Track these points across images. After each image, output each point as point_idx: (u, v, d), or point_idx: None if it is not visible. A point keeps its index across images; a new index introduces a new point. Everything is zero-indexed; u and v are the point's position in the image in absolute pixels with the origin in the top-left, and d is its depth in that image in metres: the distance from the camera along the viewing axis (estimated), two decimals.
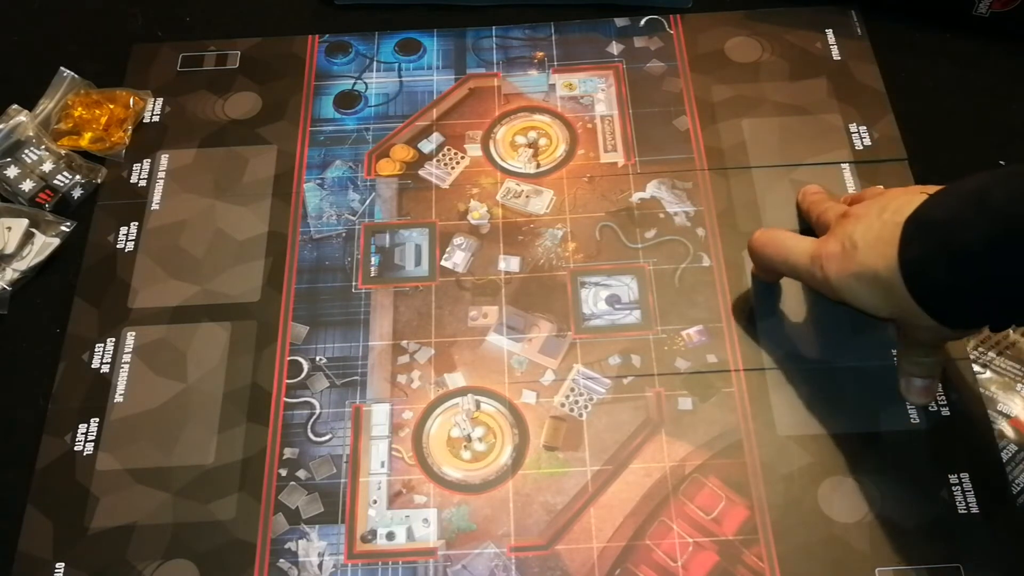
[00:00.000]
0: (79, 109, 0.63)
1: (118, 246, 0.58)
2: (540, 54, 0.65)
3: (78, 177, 0.61)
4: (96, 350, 0.55)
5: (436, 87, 0.64)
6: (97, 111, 0.62)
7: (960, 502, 0.48)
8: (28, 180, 0.60)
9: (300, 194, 0.60)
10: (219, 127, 0.63)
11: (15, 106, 0.62)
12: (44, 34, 0.69)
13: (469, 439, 0.51)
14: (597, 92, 0.64)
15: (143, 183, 0.61)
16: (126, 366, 0.54)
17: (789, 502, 0.49)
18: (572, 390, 0.53)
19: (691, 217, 0.58)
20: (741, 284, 0.55)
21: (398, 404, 0.52)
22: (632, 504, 0.49)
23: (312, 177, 0.61)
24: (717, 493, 0.49)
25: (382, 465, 0.51)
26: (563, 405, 0.52)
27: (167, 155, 0.62)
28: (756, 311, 0.54)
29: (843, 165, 0.59)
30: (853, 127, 0.61)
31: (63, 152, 0.61)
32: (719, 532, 0.48)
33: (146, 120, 0.63)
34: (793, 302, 0.55)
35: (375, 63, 0.66)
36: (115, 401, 0.53)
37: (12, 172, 0.60)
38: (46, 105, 0.63)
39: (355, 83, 0.65)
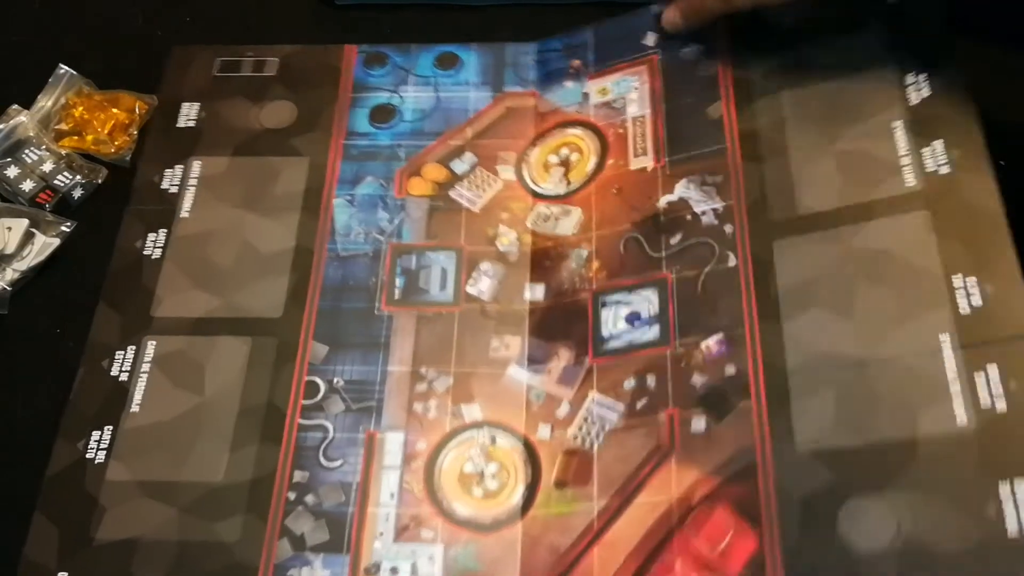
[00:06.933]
0: (80, 109, 0.62)
1: (145, 252, 0.58)
2: (577, 62, 0.63)
3: (78, 177, 0.61)
4: (116, 357, 0.54)
5: (472, 104, 0.63)
6: (101, 114, 0.62)
7: (1012, 522, 0.41)
8: (28, 180, 0.60)
9: (329, 209, 0.59)
10: (253, 136, 0.62)
11: (15, 106, 0.63)
12: (44, 34, 0.69)
13: (482, 475, 0.50)
14: (630, 92, 0.61)
15: (174, 189, 0.60)
16: (144, 375, 0.54)
17: (805, 530, 0.44)
18: (586, 419, 0.51)
19: (719, 214, 0.54)
20: (767, 283, 0.51)
21: (412, 434, 0.51)
22: (635, 542, 0.47)
23: (342, 192, 0.60)
24: (725, 523, 0.46)
25: (391, 496, 0.50)
26: (575, 437, 0.51)
27: (199, 162, 0.61)
28: (783, 309, 0.50)
29: (894, 125, 0.53)
30: (911, 77, 0.55)
31: (63, 152, 0.61)
32: (724, 569, 0.45)
33: (180, 125, 0.63)
34: (827, 292, 0.50)
35: (410, 76, 0.64)
36: (131, 410, 0.53)
37: (12, 172, 0.61)
38: (44, 102, 0.63)
39: (391, 96, 0.64)
